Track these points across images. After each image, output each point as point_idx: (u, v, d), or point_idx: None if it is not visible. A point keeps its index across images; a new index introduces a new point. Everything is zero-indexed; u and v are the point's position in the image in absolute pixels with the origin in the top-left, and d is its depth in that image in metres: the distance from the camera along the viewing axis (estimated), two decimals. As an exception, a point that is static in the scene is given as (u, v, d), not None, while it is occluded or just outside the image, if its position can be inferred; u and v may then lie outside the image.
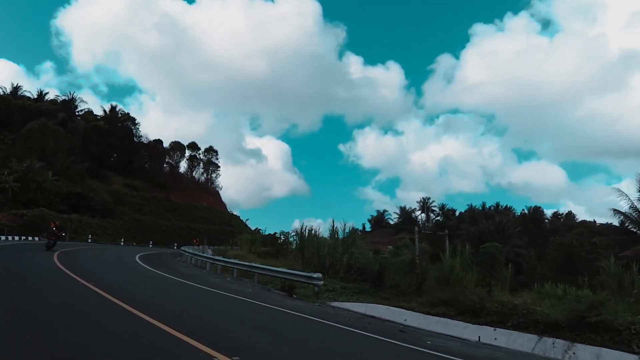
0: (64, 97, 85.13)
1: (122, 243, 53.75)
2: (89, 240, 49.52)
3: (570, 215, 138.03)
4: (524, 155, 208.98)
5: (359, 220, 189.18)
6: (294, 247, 31.73)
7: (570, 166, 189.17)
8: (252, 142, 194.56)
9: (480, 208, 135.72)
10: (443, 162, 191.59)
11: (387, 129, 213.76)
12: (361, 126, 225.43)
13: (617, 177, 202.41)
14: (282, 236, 37.91)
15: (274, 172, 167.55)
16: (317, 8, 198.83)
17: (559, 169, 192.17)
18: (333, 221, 26.71)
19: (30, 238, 41.28)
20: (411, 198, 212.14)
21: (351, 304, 14.13)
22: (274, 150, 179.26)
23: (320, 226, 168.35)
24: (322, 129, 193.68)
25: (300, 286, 15.28)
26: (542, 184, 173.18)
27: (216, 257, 20.61)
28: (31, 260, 18.93)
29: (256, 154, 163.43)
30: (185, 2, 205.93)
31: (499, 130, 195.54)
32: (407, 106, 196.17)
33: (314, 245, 28.44)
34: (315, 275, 14.17)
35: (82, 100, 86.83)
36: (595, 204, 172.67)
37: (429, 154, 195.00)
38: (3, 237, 37.76)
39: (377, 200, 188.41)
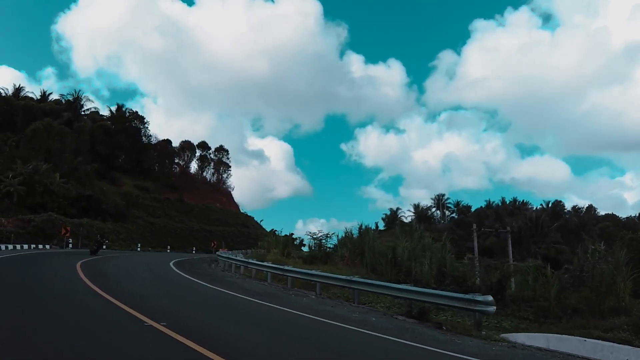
0: (69, 96, 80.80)
1: (138, 249, 49.42)
2: (104, 247, 45.17)
3: (590, 208, 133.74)
4: (527, 151, 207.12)
5: (364, 219, 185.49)
6: (343, 249, 27.48)
7: (574, 160, 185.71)
8: (254, 143, 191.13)
9: (500, 204, 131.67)
10: (446, 159, 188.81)
11: (389, 127, 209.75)
12: (363, 125, 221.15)
13: (620, 170, 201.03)
14: (326, 238, 34.10)
15: (276, 173, 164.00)
16: (317, 7, 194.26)
17: (563, 163, 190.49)
18: (411, 220, 22.60)
19: (40, 246, 36.95)
20: (415, 196, 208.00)
21: (524, 335, 9.85)
22: (276, 151, 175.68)
23: (324, 226, 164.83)
24: (325, 128, 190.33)
25: (434, 310, 11.01)
26: (545, 179, 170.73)
27: (287, 268, 16.30)
28: (52, 278, 14.74)
29: (259, 155, 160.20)
30: (185, 4, 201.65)
31: (502, 126, 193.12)
32: (409, 104, 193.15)
33: (381, 248, 24.28)
34: (479, 297, 9.79)
35: (88, 99, 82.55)
36: (599, 198, 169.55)
37: (432, 152, 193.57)
38: (10, 246, 33.34)
39: (380, 199, 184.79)
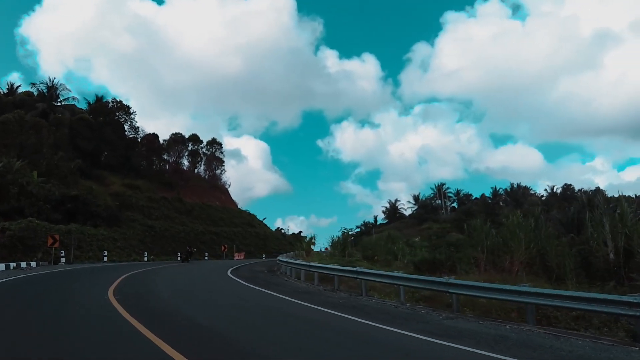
0: (42, 85, 69.77)
1: (145, 258, 40.08)
2: (105, 259, 35.92)
3: (598, 190, 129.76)
4: (500, 140, 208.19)
5: (344, 215, 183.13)
6: (476, 249, 19.28)
7: (546, 147, 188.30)
8: (230, 142, 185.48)
9: (500, 191, 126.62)
10: (421, 151, 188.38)
11: (365, 122, 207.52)
12: (339, 120, 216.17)
13: (590, 155, 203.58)
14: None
15: (254, 172, 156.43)
16: (291, 2, 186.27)
17: (535, 150, 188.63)
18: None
19: (23, 264, 27.30)
20: (393, 189, 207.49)
21: None
22: (253, 149, 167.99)
23: (303, 223, 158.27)
24: (302, 125, 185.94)
25: None
26: (519, 167, 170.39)
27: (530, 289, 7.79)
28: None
29: (236, 155, 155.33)
30: (155, 2, 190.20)
31: (477, 116, 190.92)
32: (385, 97, 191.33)
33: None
34: None
35: (65, 88, 71.57)
36: (571, 183, 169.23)
37: (408, 144, 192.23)
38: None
39: (359, 194, 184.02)
